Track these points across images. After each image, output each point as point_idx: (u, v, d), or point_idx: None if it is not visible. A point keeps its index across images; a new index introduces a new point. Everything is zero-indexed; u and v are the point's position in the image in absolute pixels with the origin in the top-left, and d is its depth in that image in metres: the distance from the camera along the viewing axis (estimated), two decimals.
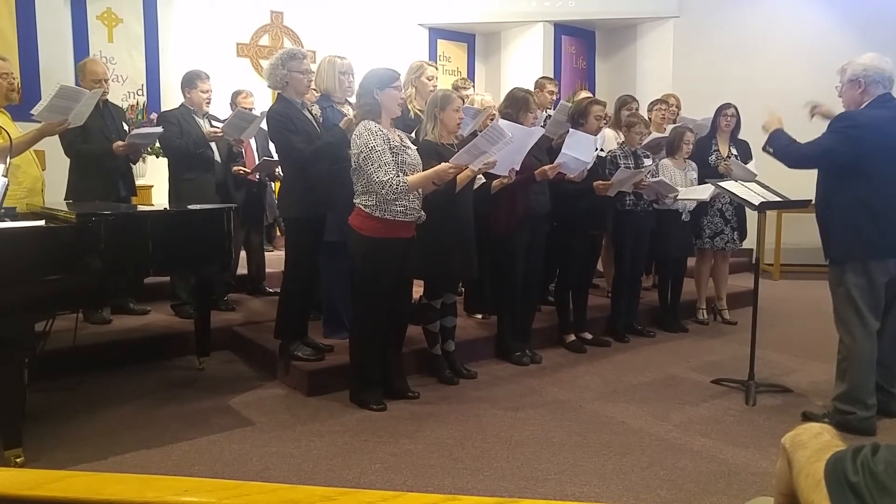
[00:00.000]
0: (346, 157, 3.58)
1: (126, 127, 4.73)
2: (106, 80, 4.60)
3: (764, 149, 3.54)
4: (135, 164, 4.86)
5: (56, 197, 4.33)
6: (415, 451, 3.02)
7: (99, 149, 4.40)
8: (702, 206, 5.17)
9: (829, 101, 3.65)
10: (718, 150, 5.36)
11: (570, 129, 4.25)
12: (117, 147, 4.38)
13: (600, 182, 4.41)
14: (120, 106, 5.26)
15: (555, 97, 5.53)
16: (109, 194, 4.46)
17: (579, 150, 4.11)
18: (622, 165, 4.69)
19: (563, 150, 4.09)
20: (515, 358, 4.32)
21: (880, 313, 3.29)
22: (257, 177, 5.15)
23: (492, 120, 4.36)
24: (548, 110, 5.29)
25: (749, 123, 5.25)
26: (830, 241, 3.32)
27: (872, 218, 3.17)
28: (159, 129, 4.55)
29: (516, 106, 4.09)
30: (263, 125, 4.33)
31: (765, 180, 4.17)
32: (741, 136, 5.45)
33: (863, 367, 3.25)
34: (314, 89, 4.21)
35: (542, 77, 5.73)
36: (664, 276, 5.39)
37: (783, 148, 3.42)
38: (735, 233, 5.34)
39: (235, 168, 4.98)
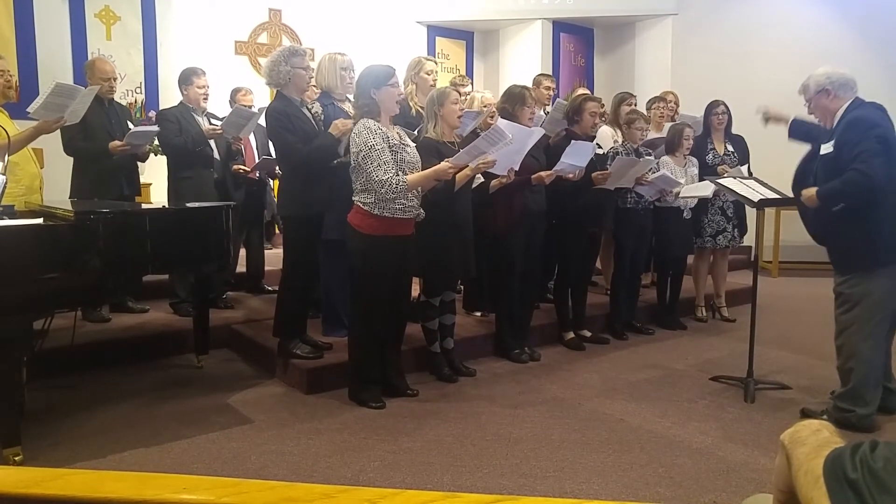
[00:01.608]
0: (338, 156, 3.62)
1: (131, 126, 4.73)
2: (115, 79, 4.62)
3: (832, 209, 3.24)
4: (143, 161, 4.85)
5: (55, 194, 4.33)
6: (414, 448, 3.02)
7: (97, 147, 4.39)
8: (702, 205, 5.17)
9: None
10: (715, 149, 5.36)
11: (572, 141, 4.24)
12: (114, 146, 4.37)
13: (598, 173, 4.40)
14: (125, 105, 5.25)
15: (552, 93, 5.53)
16: (112, 193, 4.45)
17: (577, 158, 4.14)
18: None
19: (562, 159, 4.10)
20: (514, 355, 4.33)
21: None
22: (257, 175, 5.15)
23: (492, 118, 4.36)
24: (546, 107, 5.28)
25: (747, 120, 5.23)
26: (864, 248, 3.16)
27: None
28: (156, 128, 4.55)
29: (512, 101, 4.10)
30: (262, 122, 4.33)
31: (763, 178, 4.17)
32: (737, 131, 5.45)
33: (872, 369, 3.24)
34: (314, 86, 4.21)
35: (540, 74, 5.72)
36: (663, 273, 5.39)
37: (847, 190, 3.12)
38: (736, 230, 5.35)
39: (235, 166, 4.98)
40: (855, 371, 3.25)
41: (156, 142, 4.87)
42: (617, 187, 4.59)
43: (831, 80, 3.25)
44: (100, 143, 4.39)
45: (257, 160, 5.19)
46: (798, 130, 3.78)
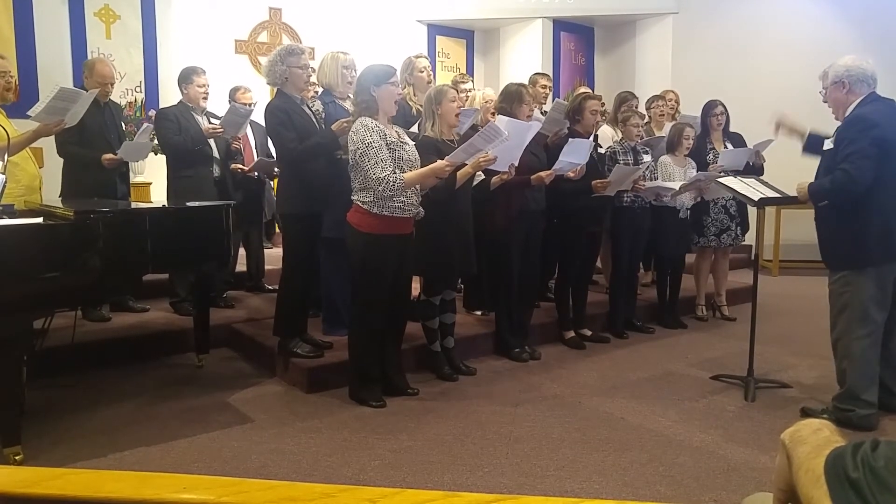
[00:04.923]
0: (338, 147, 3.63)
1: (123, 125, 4.71)
2: (112, 84, 4.59)
3: (818, 204, 3.30)
4: (136, 161, 4.83)
5: (54, 194, 4.32)
6: (414, 447, 3.02)
7: (89, 156, 4.34)
8: (704, 204, 5.16)
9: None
10: (714, 148, 5.34)
11: (569, 139, 4.25)
12: (105, 159, 4.33)
13: (598, 181, 4.40)
14: (118, 104, 5.24)
15: (548, 92, 5.52)
16: (106, 192, 4.42)
17: (576, 156, 4.14)
18: (621, 161, 4.68)
19: (560, 157, 4.10)
20: (514, 354, 4.32)
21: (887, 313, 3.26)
22: (256, 174, 5.14)
23: (493, 115, 4.36)
24: (542, 105, 5.28)
25: (748, 119, 5.23)
26: (855, 245, 3.16)
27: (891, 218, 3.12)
28: (150, 133, 4.54)
29: (510, 99, 4.11)
30: (261, 120, 4.32)
31: (763, 176, 4.17)
32: (738, 129, 5.44)
33: (866, 368, 3.23)
34: (313, 83, 4.21)
35: (535, 73, 5.72)
36: (662, 272, 5.39)
37: (833, 189, 3.16)
38: (739, 228, 5.35)
39: (234, 165, 4.98)
40: (849, 372, 3.25)
41: (155, 140, 4.86)
42: None
43: (850, 74, 3.24)
44: (91, 154, 4.33)
45: (256, 159, 5.18)
46: (814, 145, 3.70)
